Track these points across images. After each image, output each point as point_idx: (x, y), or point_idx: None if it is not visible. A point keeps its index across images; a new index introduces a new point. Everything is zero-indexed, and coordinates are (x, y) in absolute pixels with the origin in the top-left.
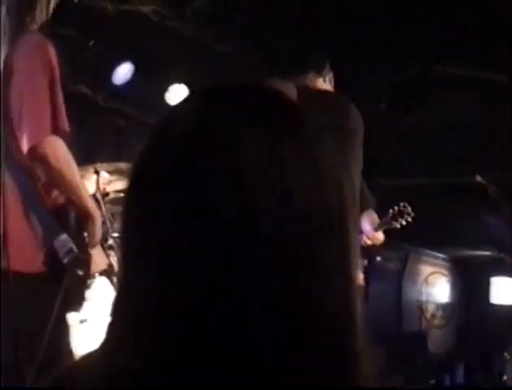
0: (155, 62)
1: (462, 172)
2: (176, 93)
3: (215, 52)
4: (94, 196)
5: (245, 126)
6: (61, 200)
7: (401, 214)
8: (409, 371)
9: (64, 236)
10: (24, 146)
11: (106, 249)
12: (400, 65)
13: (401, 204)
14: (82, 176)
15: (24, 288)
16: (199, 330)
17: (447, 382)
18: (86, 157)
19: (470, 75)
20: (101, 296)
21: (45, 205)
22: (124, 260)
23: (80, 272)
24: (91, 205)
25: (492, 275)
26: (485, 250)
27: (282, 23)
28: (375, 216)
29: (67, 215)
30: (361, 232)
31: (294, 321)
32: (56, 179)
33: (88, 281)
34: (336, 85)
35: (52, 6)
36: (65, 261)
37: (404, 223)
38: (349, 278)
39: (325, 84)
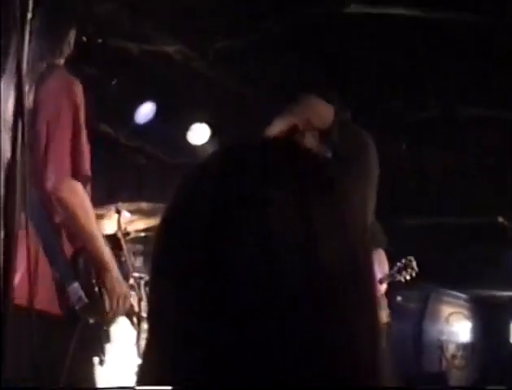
0: (177, 102)
1: (484, 213)
2: (198, 133)
3: (237, 92)
4: (115, 235)
5: (273, 184)
6: (75, 244)
7: (405, 268)
8: None
9: (76, 284)
10: (46, 187)
11: None
12: (421, 105)
13: (408, 258)
14: (103, 216)
15: (44, 327)
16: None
17: None
18: (108, 196)
19: (491, 115)
20: (121, 337)
21: (61, 248)
22: (150, 301)
23: (92, 320)
24: (106, 256)
25: None
26: (506, 291)
27: (302, 63)
28: (383, 258)
29: (79, 261)
30: None
31: (317, 367)
32: (72, 225)
33: (107, 325)
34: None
35: (73, 40)
36: (76, 308)
37: (408, 277)
38: (375, 328)
39: None
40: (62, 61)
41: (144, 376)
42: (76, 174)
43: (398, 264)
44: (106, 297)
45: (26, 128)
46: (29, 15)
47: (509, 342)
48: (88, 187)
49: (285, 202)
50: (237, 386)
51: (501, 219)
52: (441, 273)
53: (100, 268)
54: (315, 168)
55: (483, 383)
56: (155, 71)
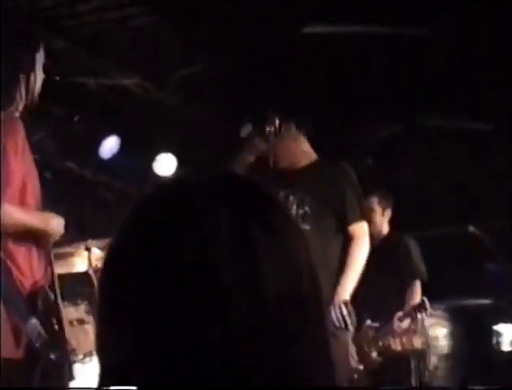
0: (141, 134)
1: (455, 223)
2: (164, 163)
3: (199, 120)
4: (87, 272)
5: (216, 213)
6: (32, 285)
7: (419, 308)
8: None
9: (34, 321)
10: None
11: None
12: (386, 120)
13: (422, 298)
14: (74, 254)
15: (7, 373)
16: None
17: None
18: (77, 233)
19: (457, 126)
20: (85, 374)
21: (16, 287)
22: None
23: (53, 356)
24: (39, 222)
25: (493, 324)
26: (484, 299)
27: (262, 87)
28: (415, 291)
29: (37, 298)
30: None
31: None
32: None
33: (71, 362)
34: (321, 143)
35: (36, 89)
36: (37, 345)
37: (424, 316)
38: (326, 361)
39: (303, 141)
40: (13, 109)
41: None
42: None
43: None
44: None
45: None
46: None
47: (491, 350)
48: None
49: (229, 239)
50: None
51: (471, 229)
52: None
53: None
54: (260, 198)
55: None
56: (116, 105)
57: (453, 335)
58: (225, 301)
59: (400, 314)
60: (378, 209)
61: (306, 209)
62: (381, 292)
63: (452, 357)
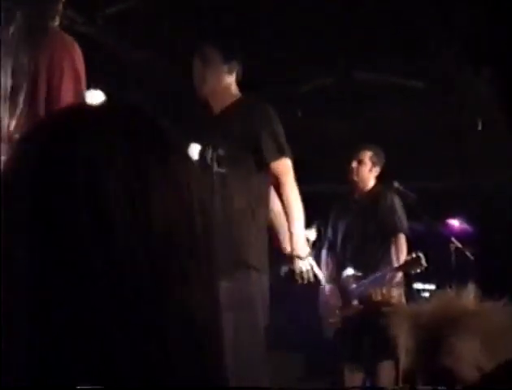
0: None
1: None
2: (92, 99)
3: (129, 58)
4: None
5: (106, 141)
6: None
7: (415, 262)
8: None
9: None
10: None
11: None
12: (318, 72)
13: (418, 254)
14: None
15: None
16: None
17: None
18: None
19: (388, 81)
20: None
21: None
22: None
23: None
24: None
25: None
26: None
27: (194, 26)
28: (401, 244)
29: None
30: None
31: (147, 334)
32: None
33: None
34: (252, 93)
35: None
36: None
37: (418, 271)
38: (212, 294)
39: (229, 76)
40: (56, 23)
41: None
42: None
43: (407, 257)
44: None
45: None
46: None
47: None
48: None
49: (120, 168)
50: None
51: (396, 185)
52: None
53: None
54: (152, 127)
55: None
56: None
57: None
58: (111, 228)
59: (395, 266)
60: (368, 163)
61: (221, 152)
62: (364, 243)
63: None
